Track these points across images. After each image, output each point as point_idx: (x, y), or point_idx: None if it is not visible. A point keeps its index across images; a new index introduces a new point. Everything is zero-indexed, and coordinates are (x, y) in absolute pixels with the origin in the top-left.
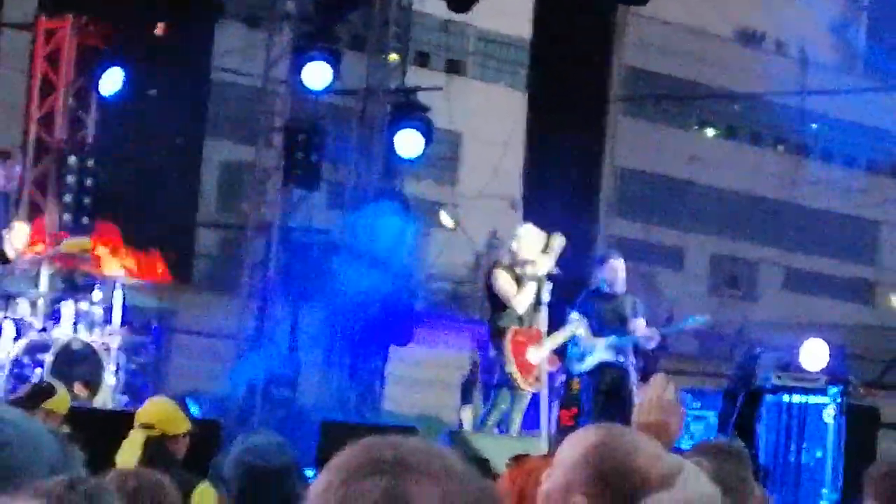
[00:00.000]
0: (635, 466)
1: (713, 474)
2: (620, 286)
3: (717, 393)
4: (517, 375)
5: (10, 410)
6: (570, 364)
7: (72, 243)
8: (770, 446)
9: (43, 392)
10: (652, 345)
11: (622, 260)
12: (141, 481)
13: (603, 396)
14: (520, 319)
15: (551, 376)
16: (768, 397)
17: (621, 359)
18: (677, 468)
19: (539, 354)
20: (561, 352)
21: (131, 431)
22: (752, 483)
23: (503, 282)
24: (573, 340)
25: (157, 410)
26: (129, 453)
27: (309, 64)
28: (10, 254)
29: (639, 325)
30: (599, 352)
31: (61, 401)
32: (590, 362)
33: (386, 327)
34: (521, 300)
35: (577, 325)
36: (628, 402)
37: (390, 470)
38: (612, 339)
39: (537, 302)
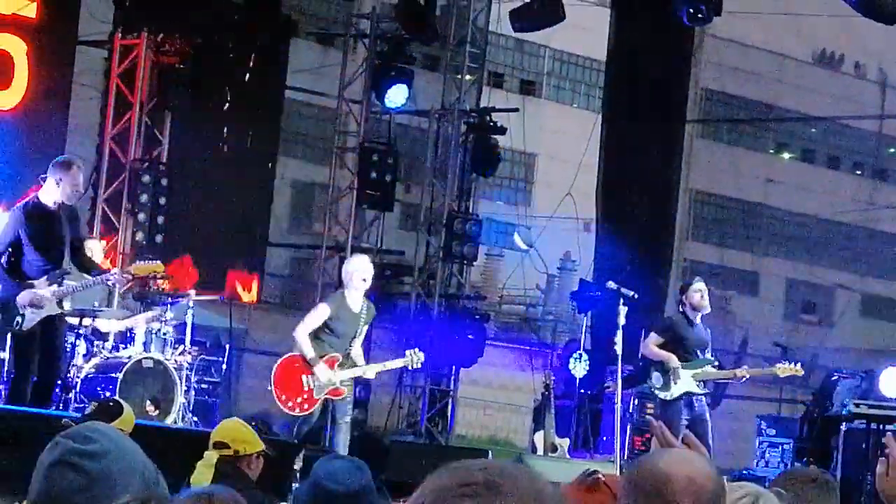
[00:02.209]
0: (677, 489)
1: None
2: (707, 307)
3: (794, 420)
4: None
5: (105, 425)
6: (654, 391)
7: (143, 267)
8: (846, 473)
9: (109, 410)
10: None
11: (703, 284)
12: (216, 501)
13: (683, 425)
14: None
15: (624, 401)
16: (845, 425)
17: (705, 389)
18: (751, 494)
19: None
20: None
21: (206, 452)
22: None
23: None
24: (659, 367)
25: (230, 430)
26: (203, 473)
27: (384, 83)
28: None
29: (738, 372)
30: (686, 381)
31: (127, 419)
32: (675, 391)
33: (457, 349)
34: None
35: (410, 359)
36: (704, 431)
37: (482, 493)
38: (702, 371)
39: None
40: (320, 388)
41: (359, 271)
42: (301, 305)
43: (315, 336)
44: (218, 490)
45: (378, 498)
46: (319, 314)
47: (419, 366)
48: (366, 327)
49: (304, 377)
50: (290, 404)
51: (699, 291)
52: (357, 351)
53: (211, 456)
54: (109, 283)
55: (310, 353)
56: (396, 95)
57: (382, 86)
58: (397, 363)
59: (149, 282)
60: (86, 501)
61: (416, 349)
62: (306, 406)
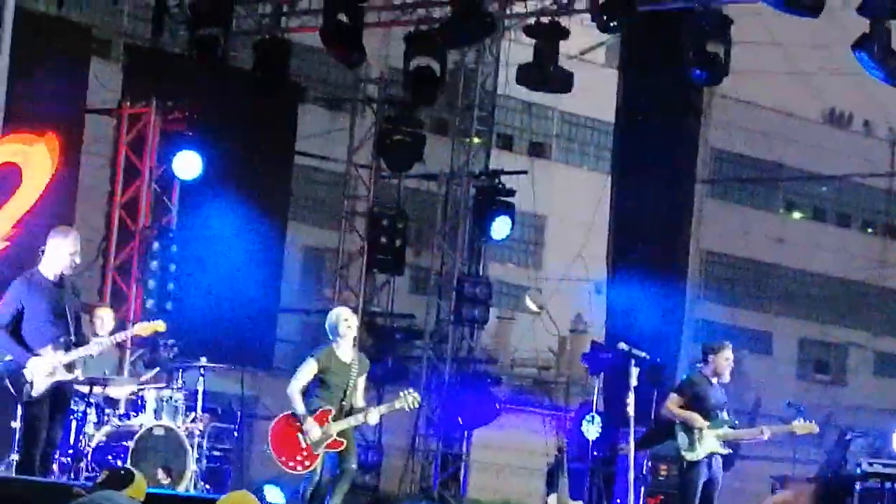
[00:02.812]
0: None
1: None
2: (727, 377)
3: (807, 479)
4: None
5: (118, 493)
6: (680, 451)
7: (145, 326)
8: None
9: (120, 478)
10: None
11: (731, 350)
12: None
13: (705, 486)
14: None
15: (637, 463)
16: (860, 484)
17: (728, 450)
18: None
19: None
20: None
21: None
22: None
23: None
24: (683, 428)
25: (235, 502)
26: None
27: (389, 148)
28: (99, 332)
29: (763, 430)
30: (711, 441)
31: (139, 487)
32: (701, 451)
33: (469, 412)
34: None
35: (405, 400)
36: (713, 492)
37: None
38: (724, 431)
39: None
40: (316, 443)
41: (341, 317)
42: None
43: (309, 391)
44: None
45: None
46: (308, 368)
47: (416, 405)
48: (361, 379)
49: (299, 435)
50: (290, 464)
51: (729, 360)
52: (360, 403)
53: None
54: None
55: (300, 409)
56: (401, 160)
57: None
58: (394, 405)
59: (157, 347)
60: None
61: (410, 389)
62: (307, 463)
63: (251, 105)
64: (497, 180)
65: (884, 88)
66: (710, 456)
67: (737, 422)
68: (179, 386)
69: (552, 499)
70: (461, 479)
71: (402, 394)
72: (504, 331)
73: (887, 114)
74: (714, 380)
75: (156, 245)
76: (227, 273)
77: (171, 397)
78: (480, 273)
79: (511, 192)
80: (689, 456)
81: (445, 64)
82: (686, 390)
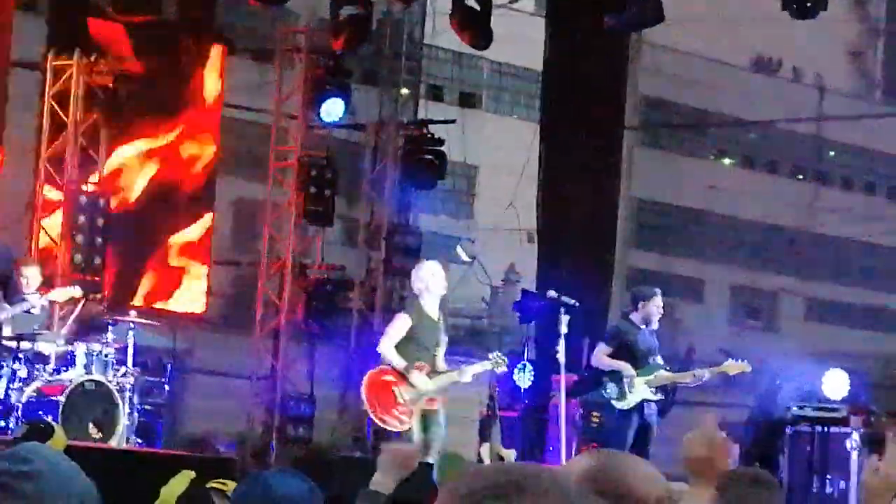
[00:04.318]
0: (631, 488)
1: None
2: (655, 324)
3: (739, 424)
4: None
5: (42, 446)
6: (611, 401)
7: (61, 292)
8: (793, 476)
9: (40, 432)
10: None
11: (661, 297)
12: None
13: (636, 433)
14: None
15: (569, 410)
16: (790, 428)
17: (660, 396)
18: (677, 493)
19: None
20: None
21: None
22: None
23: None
24: (612, 376)
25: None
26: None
27: (320, 98)
28: (25, 290)
29: (696, 373)
30: (642, 389)
31: (59, 441)
32: (632, 399)
33: None
34: None
35: (495, 361)
36: (648, 439)
37: (508, 494)
38: (655, 376)
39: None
40: (414, 398)
41: (436, 275)
42: (244, 324)
43: (398, 350)
44: None
45: None
46: (400, 324)
47: (504, 369)
48: (445, 337)
49: (395, 389)
50: (386, 419)
51: (659, 307)
52: (441, 361)
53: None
54: (33, 309)
55: (400, 363)
56: (333, 109)
57: (318, 100)
58: (485, 365)
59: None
60: None
61: (499, 353)
62: (404, 419)
63: (177, 58)
64: (426, 129)
65: (811, 34)
66: (642, 403)
67: (668, 367)
68: (109, 339)
69: (485, 448)
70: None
71: (491, 356)
72: None
73: (814, 60)
74: (643, 326)
75: (83, 199)
76: (155, 226)
77: (101, 352)
78: (410, 223)
79: (440, 142)
80: (619, 405)
81: (372, 12)
82: (614, 338)
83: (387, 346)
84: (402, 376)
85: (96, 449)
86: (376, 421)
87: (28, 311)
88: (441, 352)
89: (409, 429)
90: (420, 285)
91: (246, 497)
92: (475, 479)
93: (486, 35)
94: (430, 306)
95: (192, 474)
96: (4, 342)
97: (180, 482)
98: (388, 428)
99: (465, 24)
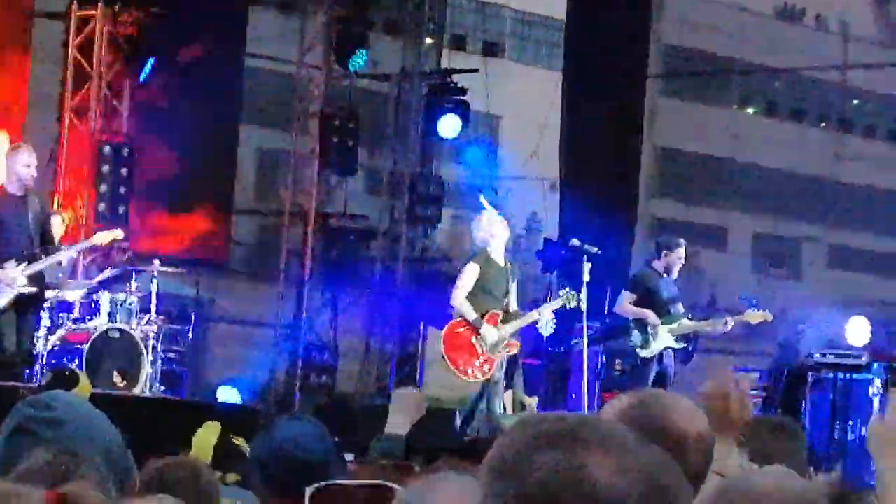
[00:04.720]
0: (672, 423)
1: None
2: (675, 274)
3: (762, 371)
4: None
5: (68, 393)
6: (635, 349)
7: (104, 235)
8: (815, 423)
9: (65, 379)
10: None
11: (684, 248)
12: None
13: (654, 380)
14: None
15: (591, 358)
16: (812, 375)
17: (682, 344)
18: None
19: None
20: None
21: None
22: (805, 459)
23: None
24: (637, 324)
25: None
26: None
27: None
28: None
29: (721, 322)
30: (665, 337)
31: (84, 389)
32: (655, 348)
33: (424, 311)
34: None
35: (569, 298)
36: (668, 385)
37: (563, 443)
38: (679, 325)
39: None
40: (493, 346)
41: (497, 222)
42: (268, 273)
43: (469, 299)
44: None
45: (337, 465)
46: (470, 273)
47: (575, 304)
48: (514, 284)
49: (473, 340)
50: (469, 370)
51: (681, 258)
52: (515, 307)
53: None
54: (76, 251)
55: (472, 314)
56: (356, 60)
57: (342, 50)
58: (559, 302)
59: (111, 250)
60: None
61: (569, 289)
62: (486, 367)
63: (200, 7)
64: (449, 79)
65: None
66: (663, 351)
67: (690, 315)
68: (133, 288)
69: (507, 395)
70: (417, 377)
71: (562, 292)
72: (459, 231)
73: (839, 7)
74: (665, 275)
75: (107, 149)
76: (180, 176)
77: (125, 300)
78: (433, 173)
79: (463, 91)
80: (643, 353)
81: None
82: (638, 286)
83: (460, 298)
84: (476, 327)
85: (120, 397)
86: (460, 375)
87: (59, 264)
88: (513, 298)
89: (492, 378)
90: (483, 234)
91: (257, 446)
92: (530, 428)
93: None
94: (497, 253)
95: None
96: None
97: (210, 432)
98: (471, 379)
99: None
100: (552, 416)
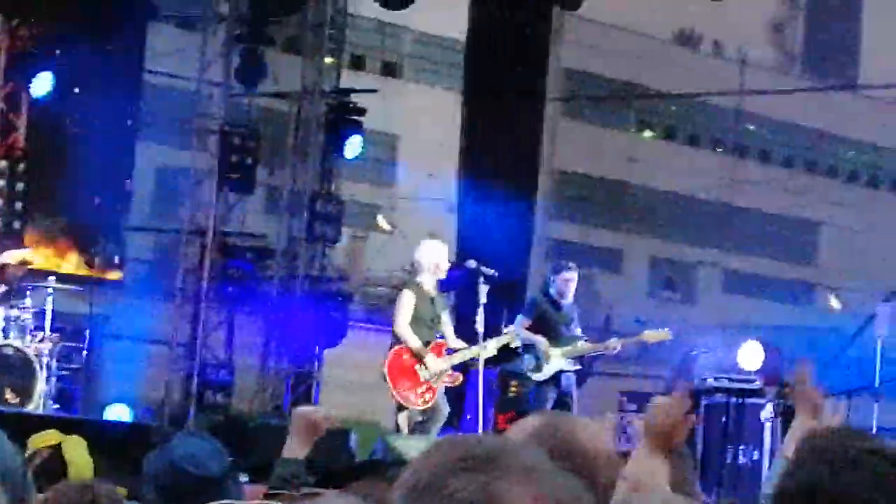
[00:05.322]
0: (582, 443)
1: None
2: (570, 298)
3: (655, 395)
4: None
5: None
6: (525, 372)
7: (13, 254)
8: (707, 447)
9: None
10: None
11: (576, 273)
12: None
13: (555, 404)
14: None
15: (486, 378)
16: (705, 398)
17: (576, 367)
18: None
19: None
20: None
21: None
22: (695, 483)
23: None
24: (529, 349)
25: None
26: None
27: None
28: None
29: (610, 344)
30: (557, 360)
31: None
32: (548, 371)
33: (320, 330)
34: None
35: (510, 336)
36: (569, 409)
37: (482, 467)
38: (573, 347)
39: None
40: (436, 375)
41: (443, 259)
42: (164, 290)
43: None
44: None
45: (233, 483)
46: (407, 301)
47: (518, 343)
48: (446, 313)
49: (417, 368)
50: (411, 398)
51: (568, 281)
52: (453, 339)
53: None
54: None
55: (416, 343)
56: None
57: (240, 69)
58: (502, 340)
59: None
60: None
61: (513, 327)
62: (428, 396)
63: (100, 22)
64: (348, 98)
65: (732, 9)
66: (559, 374)
67: (586, 338)
68: (28, 305)
69: (402, 416)
70: (313, 397)
71: (505, 330)
72: (357, 250)
73: (736, 33)
74: (560, 299)
75: (3, 163)
76: (76, 192)
77: (19, 316)
78: (332, 191)
79: (362, 111)
80: (535, 376)
81: None
82: (532, 311)
83: (402, 326)
84: (419, 356)
85: (13, 414)
86: (400, 400)
87: None
88: (449, 329)
89: (432, 406)
90: (426, 263)
91: (153, 462)
92: (448, 450)
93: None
94: (428, 283)
95: (84, 441)
96: None
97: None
98: (412, 406)
99: None
100: (471, 438)
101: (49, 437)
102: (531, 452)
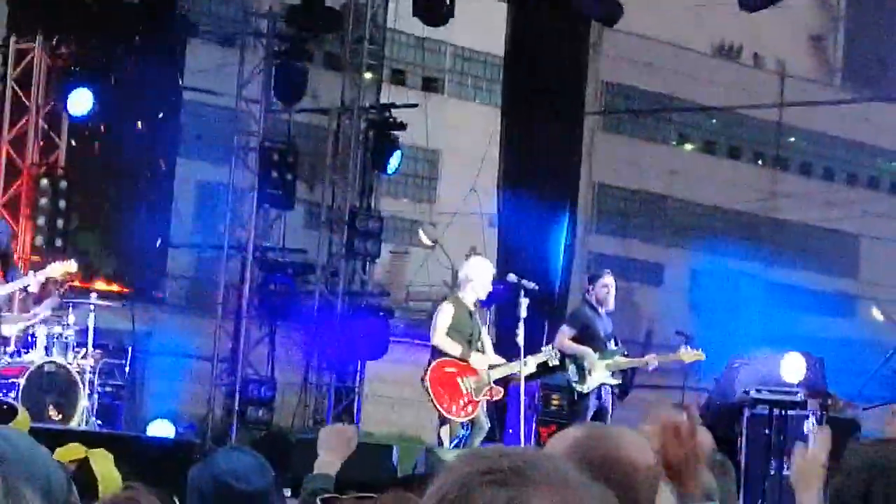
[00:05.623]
0: (622, 455)
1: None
2: (611, 304)
3: (698, 407)
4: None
5: (8, 428)
6: (571, 384)
7: (57, 268)
8: (750, 460)
9: (3, 413)
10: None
11: (613, 278)
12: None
13: (592, 416)
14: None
15: (529, 391)
16: (748, 411)
17: (617, 380)
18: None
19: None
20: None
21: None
22: (736, 496)
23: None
24: (573, 360)
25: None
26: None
27: (279, 82)
28: None
29: (647, 359)
30: (601, 373)
31: (23, 422)
32: (592, 383)
33: (361, 345)
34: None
35: (549, 354)
36: (607, 422)
37: (509, 480)
38: (614, 361)
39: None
40: (477, 389)
41: (487, 278)
42: (205, 306)
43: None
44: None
45: (277, 498)
46: (446, 313)
47: (557, 362)
48: (485, 329)
49: (458, 381)
50: (454, 409)
51: (606, 287)
52: (492, 354)
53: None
54: (29, 287)
55: (457, 348)
56: (290, 93)
57: (277, 84)
58: (540, 357)
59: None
60: None
61: (552, 346)
62: (470, 409)
63: (139, 40)
64: (388, 114)
65: (772, 21)
66: (600, 387)
67: (626, 351)
68: (70, 322)
69: (444, 430)
70: (355, 412)
71: (543, 349)
72: (398, 265)
73: (775, 46)
74: (601, 309)
75: (44, 181)
76: (117, 209)
77: (61, 334)
78: (372, 207)
79: (402, 126)
80: (579, 388)
81: None
82: (576, 322)
83: (440, 337)
84: (463, 365)
85: (57, 431)
86: (442, 412)
87: (24, 289)
88: (488, 345)
89: (473, 419)
90: (472, 279)
91: (197, 476)
92: (475, 463)
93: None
94: (468, 298)
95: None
96: None
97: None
98: (454, 418)
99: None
100: (497, 451)
101: (73, 450)
102: (559, 465)
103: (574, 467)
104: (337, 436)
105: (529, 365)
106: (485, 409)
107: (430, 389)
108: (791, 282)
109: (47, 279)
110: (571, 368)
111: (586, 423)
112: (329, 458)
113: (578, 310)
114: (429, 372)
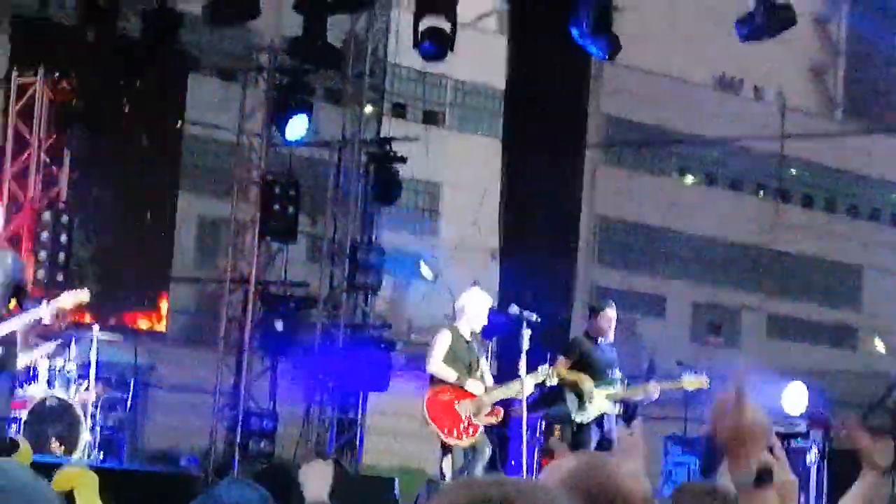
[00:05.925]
0: (618, 486)
1: None
2: (611, 336)
3: (700, 438)
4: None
5: (7, 461)
6: (570, 414)
7: (69, 298)
8: None
9: (6, 447)
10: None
11: (615, 311)
12: None
13: (597, 447)
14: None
15: (531, 423)
16: None
17: (619, 409)
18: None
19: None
20: (542, 399)
21: None
22: None
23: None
24: (572, 389)
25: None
26: None
27: (283, 116)
28: None
29: (648, 388)
30: (601, 402)
31: (24, 456)
32: (591, 412)
33: (363, 377)
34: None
35: (549, 374)
36: (609, 451)
37: None
38: (615, 390)
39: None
40: (476, 412)
41: (484, 310)
42: (207, 340)
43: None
44: None
45: None
46: (443, 340)
47: (554, 381)
48: (483, 359)
49: (456, 406)
50: (455, 434)
51: (609, 320)
52: (490, 383)
53: None
54: (41, 317)
55: (452, 374)
56: (297, 127)
57: (282, 118)
58: (538, 377)
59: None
60: None
61: (547, 365)
62: (471, 431)
63: (140, 75)
64: (389, 147)
65: (772, 53)
66: (602, 416)
67: (626, 380)
68: (72, 356)
69: (446, 462)
70: (357, 444)
71: (540, 369)
72: (400, 298)
73: (776, 78)
74: (600, 339)
75: (46, 216)
76: (118, 243)
77: (63, 367)
78: (374, 240)
79: (403, 160)
80: (579, 418)
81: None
82: (573, 351)
83: (435, 363)
84: (459, 390)
85: (60, 465)
86: (444, 437)
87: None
88: (487, 374)
89: (475, 445)
90: (467, 310)
91: None
92: (466, 492)
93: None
94: (465, 328)
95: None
96: None
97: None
98: (456, 443)
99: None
100: (488, 481)
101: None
102: (551, 495)
103: (568, 497)
104: (314, 470)
105: (527, 385)
106: (485, 434)
107: (428, 417)
108: (793, 314)
109: (58, 309)
110: (570, 398)
111: (581, 452)
112: (316, 487)
113: (575, 339)
114: (425, 399)
